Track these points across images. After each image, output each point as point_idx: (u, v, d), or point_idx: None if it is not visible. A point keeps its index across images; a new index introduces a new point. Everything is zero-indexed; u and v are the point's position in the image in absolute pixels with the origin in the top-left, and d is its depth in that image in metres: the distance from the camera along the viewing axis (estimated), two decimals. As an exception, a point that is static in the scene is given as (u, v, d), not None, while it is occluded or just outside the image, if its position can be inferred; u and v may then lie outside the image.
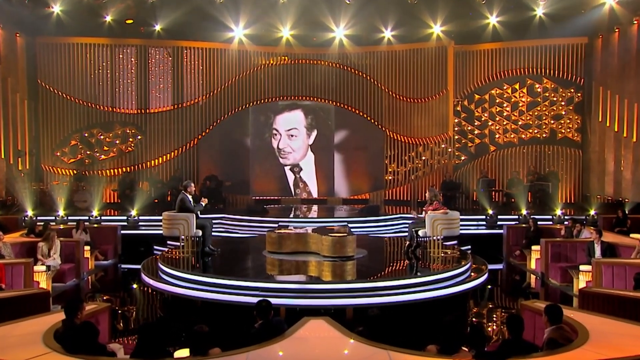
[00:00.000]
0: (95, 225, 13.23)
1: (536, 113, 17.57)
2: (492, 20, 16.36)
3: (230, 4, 15.66)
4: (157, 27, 16.99)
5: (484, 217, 14.60)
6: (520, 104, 17.67)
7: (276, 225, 12.44)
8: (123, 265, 12.69)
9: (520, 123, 17.70)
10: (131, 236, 13.53)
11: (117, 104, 17.80)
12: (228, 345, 4.68)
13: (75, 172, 17.07)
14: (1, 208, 14.38)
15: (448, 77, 17.92)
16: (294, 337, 4.91)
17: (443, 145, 18.16)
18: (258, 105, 18.55)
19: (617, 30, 15.35)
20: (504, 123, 17.82)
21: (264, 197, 18.16)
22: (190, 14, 15.93)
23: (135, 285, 10.83)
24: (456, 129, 18.08)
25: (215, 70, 18.19)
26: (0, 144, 15.23)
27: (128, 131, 17.82)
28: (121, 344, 5.84)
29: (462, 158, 18.17)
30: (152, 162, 17.88)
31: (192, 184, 10.18)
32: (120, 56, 17.76)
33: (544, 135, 17.52)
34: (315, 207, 17.22)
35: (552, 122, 17.49)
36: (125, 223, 13.93)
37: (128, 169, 17.73)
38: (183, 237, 9.70)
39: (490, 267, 10.19)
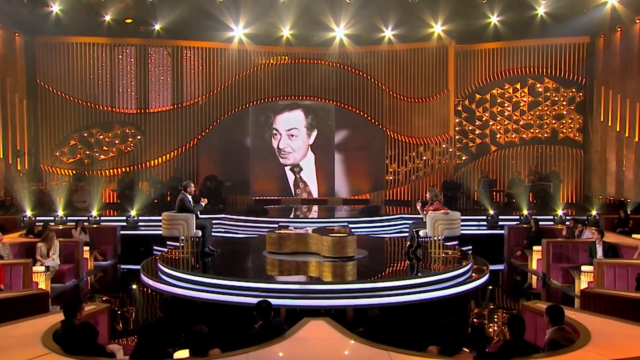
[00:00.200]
0: (95, 226, 13.20)
1: (537, 113, 17.52)
2: (494, 19, 16.35)
3: (230, 3, 15.66)
4: (157, 27, 16.96)
5: (485, 217, 14.57)
6: (522, 104, 17.63)
7: (276, 225, 12.40)
8: (122, 266, 12.67)
9: (521, 123, 17.66)
10: (131, 236, 13.51)
11: (117, 104, 17.77)
12: (228, 346, 4.66)
13: (74, 172, 17.03)
14: (0, 208, 14.33)
15: (449, 77, 17.89)
16: (294, 337, 4.90)
17: (444, 145, 18.12)
18: (258, 105, 18.50)
19: (619, 29, 15.30)
20: (505, 123, 17.78)
21: (264, 198, 18.13)
22: (189, 13, 15.93)
23: (134, 286, 10.79)
24: (457, 128, 18.04)
25: (215, 69, 18.15)
26: (-1, 144, 15.22)
27: (127, 131, 17.79)
28: (120, 345, 5.80)
29: (463, 158, 18.13)
30: (152, 162, 17.85)
31: (192, 184, 10.19)
32: (120, 56, 17.72)
33: (546, 135, 17.48)
34: (315, 208, 17.19)
35: (553, 121, 17.44)
36: (125, 223, 13.91)
37: (127, 169, 17.70)
38: (183, 237, 9.69)
39: (491, 267, 10.18)
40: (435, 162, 18.28)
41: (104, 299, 9.89)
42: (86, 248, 11.38)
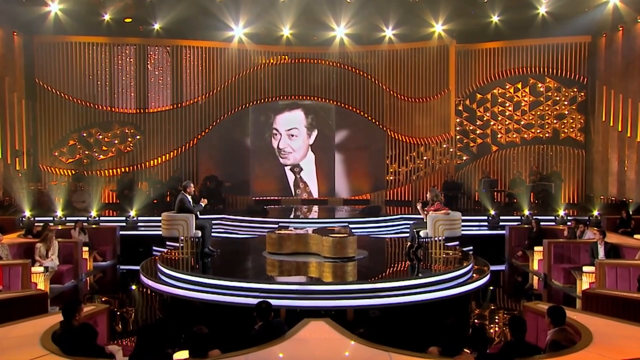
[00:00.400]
0: (94, 226, 13.16)
1: (539, 113, 17.48)
2: (495, 18, 16.29)
3: (230, 2, 15.63)
4: (156, 26, 16.93)
5: (486, 217, 14.51)
6: (523, 104, 17.60)
7: (276, 225, 12.43)
8: (122, 267, 12.62)
9: (522, 123, 17.62)
10: (130, 237, 13.45)
11: (116, 104, 17.73)
12: (228, 347, 4.65)
13: (73, 172, 16.99)
14: (-1, 208, 14.32)
15: (450, 77, 17.85)
16: (294, 338, 4.89)
17: (445, 145, 18.08)
18: (258, 104, 18.46)
19: (621, 28, 15.25)
20: (506, 123, 17.74)
21: (264, 198, 18.10)
22: (189, 13, 15.86)
23: (134, 287, 10.73)
24: (458, 128, 18.01)
25: (215, 69, 18.12)
26: (-3, 144, 15.19)
27: (127, 131, 17.76)
28: (120, 346, 5.80)
29: (464, 158, 18.09)
30: (151, 162, 17.82)
31: (192, 184, 10.18)
32: (119, 55, 17.69)
33: (547, 135, 17.44)
34: (315, 208, 17.16)
35: (554, 121, 17.40)
36: (124, 224, 13.85)
37: (127, 169, 17.67)
38: (182, 237, 9.69)
39: (492, 268, 10.15)
40: (436, 162, 18.24)
41: (103, 299, 9.82)
42: (85, 248, 11.35)
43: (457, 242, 12.08)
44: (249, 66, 18.26)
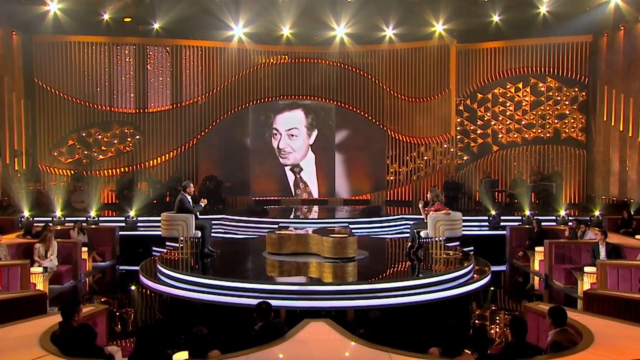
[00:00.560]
0: (93, 226, 13.11)
1: (540, 112, 17.46)
2: (495, 18, 16.27)
3: (230, 1, 15.63)
4: (156, 26, 16.91)
5: (486, 217, 14.47)
6: (524, 103, 17.57)
7: (276, 226, 12.40)
8: (121, 267, 12.58)
9: (523, 122, 17.60)
10: (129, 237, 13.41)
11: (115, 103, 17.71)
12: (227, 348, 4.64)
13: (72, 172, 16.95)
14: (-2, 209, 14.29)
15: (450, 76, 17.83)
16: (294, 339, 4.87)
17: (445, 145, 18.05)
18: (258, 104, 18.43)
19: (622, 28, 15.22)
20: (507, 123, 17.71)
21: (264, 198, 18.07)
22: (189, 12, 15.84)
23: (133, 287, 10.69)
24: (458, 128, 17.98)
25: (215, 69, 18.11)
26: (-4, 143, 15.16)
27: (126, 131, 17.74)
28: (119, 347, 5.77)
29: (465, 158, 18.06)
30: (151, 162, 17.80)
31: (191, 184, 10.17)
32: (118, 55, 17.69)
33: (548, 135, 17.41)
34: (315, 208, 17.12)
35: (556, 121, 17.37)
36: (124, 224, 13.81)
37: (126, 169, 17.65)
38: (182, 238, 9.67)
39: (493, 268, 10.10)
40: (437, 162, 18.21)
41: (102, 300, 9.80)
42: (84, 249, 11.30)
43: (457, 243, 12.05)
44: (248, 66, 18.23)
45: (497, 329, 8.22)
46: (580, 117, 17.24)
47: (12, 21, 15.59)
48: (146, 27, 17.08)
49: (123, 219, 14.06)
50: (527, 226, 12.92)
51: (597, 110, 16.62)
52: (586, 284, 8.99)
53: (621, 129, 15.34)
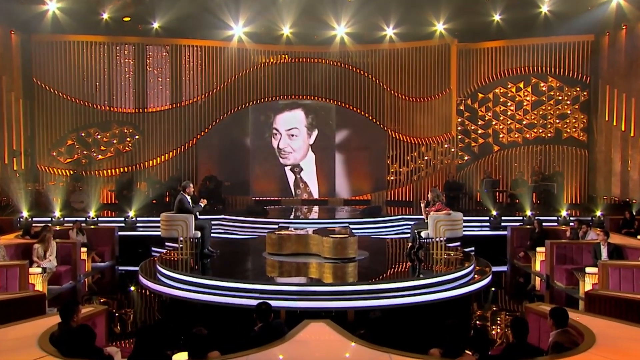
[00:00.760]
0: (92, 227, 13.08)
1: (541, 112, 17.44)
2: (496, 17, 16.24)
3: (230, 0, 15.52)
4: (155, 25, 16.88)
5: (487, 218, 14.42)
6: (525, 103, 17.55)
7: (276, 226, 12.39)
8: (120, 267, 12.55)
9: (524, 122, 17.57)
10: (129, 237, 13.38)
11: (115, 103, 17.69)
12: (227, 349, 4.61)
13: (71, 172, 16.95)
14: (-3, 209, 14.25)
15: (451, 76, 17.80)
16: (294, 340, 4.85)
17: (446, 145, 18.02)
18: (258, 104, 18.40)
19: (624, 27, 15.20)
20: (508, 122, 17.68)
21: (264, 198, 18.04)
22: (188, 11, 15.80)
23: (132, 288, 10.66)
24: (459, 128, 17.96)
25: (215, 68, 18.09)
26: (-5, 143, 15.12)
27: (125, 131, 17.73)
28: (118, 348, 5.76)
29: (466, 158, 18.03)
30: (150, 162, 17.78)
31: (191, 185, 10.14)
32: (118, 54, 17.68)
33: (549, 134, 17.38)
34: (316, 208, 17.08)
35: (557, 121, 17.35)
36: (123, 224, 13.78)
37: (126, 169, 17.63)
38: (182, 238, 9.65)
39: (494, 269, 10.05)
40: (437, 162, 18.18)
41: (101, 300, 9.76)
42: (84, 249, 11.26)
43: (458, 243, 12.03)
44: (248, 65, 18.21)
45: (498, 330, 8.18)
46: (582, 117, 17.21)
47: (11, 20, 15.58)
48: (145, 26, 17.05)
49: (122, 219, 14.02)
50: (528, 226, 12.87)
51: (599, 110, 16.59)
52: (588, 284, 8.97)
53: (623, 129, 15.30)
